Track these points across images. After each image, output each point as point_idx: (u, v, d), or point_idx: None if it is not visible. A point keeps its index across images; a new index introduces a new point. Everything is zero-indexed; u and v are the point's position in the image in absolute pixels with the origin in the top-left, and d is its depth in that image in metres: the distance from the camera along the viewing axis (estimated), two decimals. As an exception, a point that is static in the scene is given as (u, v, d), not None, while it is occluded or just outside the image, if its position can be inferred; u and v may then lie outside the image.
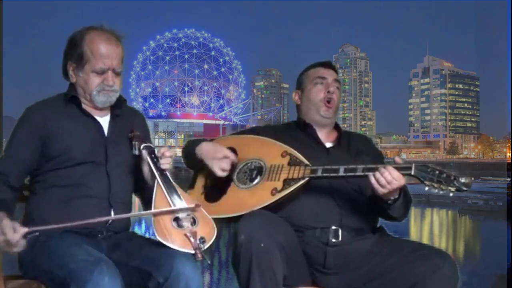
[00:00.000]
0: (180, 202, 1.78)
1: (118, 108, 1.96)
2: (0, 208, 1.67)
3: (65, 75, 1.93)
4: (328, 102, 2.11)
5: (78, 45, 1.86)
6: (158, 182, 1.80)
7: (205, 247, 1.70)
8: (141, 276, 1.70)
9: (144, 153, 1.85)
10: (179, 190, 1.82)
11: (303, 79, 2.18)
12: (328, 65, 2.17)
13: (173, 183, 1.82)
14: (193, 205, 1.78)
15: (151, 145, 1.89)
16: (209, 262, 1.70)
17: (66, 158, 1.81)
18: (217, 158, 2.00)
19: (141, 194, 1.96)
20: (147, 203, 1.87)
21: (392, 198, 1.87)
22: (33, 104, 1.89)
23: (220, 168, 2.00)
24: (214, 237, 1.76)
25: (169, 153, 1.87)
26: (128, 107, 2.03)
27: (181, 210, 1.75)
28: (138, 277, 1.71)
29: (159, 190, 1.79)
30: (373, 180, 1.82)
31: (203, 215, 1.81)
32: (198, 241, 1.69)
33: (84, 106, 1.90)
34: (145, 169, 1.87)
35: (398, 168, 1.80)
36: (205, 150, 2.04)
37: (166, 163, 1.84)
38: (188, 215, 1.76)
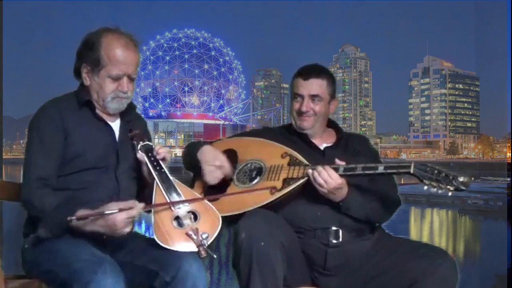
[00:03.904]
0: (178, 199, 1.78)
1: (129, 114, 1.96)
2: (75, 205, 1.65)
3: (76, 75, 1.89)
4: (303, 113, 2.07)
5: (94, 48, 1.82)
6: (156, 180, 1.80)
7: (209, 242, 1.69)
8: (147, 275, 1.71)
9: (141, 152, 1.85)
10: (179, 187, 1.81)
11: (290, 87, 2.16)
12: (308, 75, 2.07)
13: (172, 180, 1.81)
14: (199, 197, 1.79)
15: (149, 143, 1.88)
16: (215, 256, 1.69)
17: (79, 162, 1.79)
18: (214, 164, 2.00)
19: (139, 194, 1.95)
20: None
21: (338, 200, 1.90)
22: (48, 102, 1.84)
23: (212, 176, 2.00)
24: (219, 228, 1.74)
25: (163, 149, 1.87)
26: (135, 113, 2.02)
27: (178, 202, 1.76)
28: (144, 276, 1.72)
29: (157, 189, 1.79)
30: (311, 179, 1.87)
31: (205, 207, 1.80)
32: (200, 238, 1.68)
33: (97, 110, 1.88)
34: (144, 168, 1.87)
35: (336, 169, 1.86)
36: (205, 153, 2.03)
37: (162, 154, 1.85)
38: (188, 212, 1.75)
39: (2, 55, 3.20)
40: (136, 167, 1.90)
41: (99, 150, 1.83)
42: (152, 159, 1.84)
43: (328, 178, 1.85)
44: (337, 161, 1.89)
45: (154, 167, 1.83)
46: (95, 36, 1.84)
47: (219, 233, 1.75)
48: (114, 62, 1.81)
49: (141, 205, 1.66)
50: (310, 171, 1.88)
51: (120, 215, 1.62)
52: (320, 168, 1.87)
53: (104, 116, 1.89)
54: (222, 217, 1.86)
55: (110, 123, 1.90)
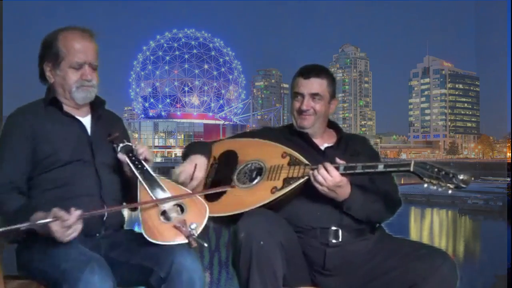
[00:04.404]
0: (163, 194, 1.79)
1: (99, 108, 1.98)
2: (33, 209, 1.65)
3: (41, 79, 1.94)
4: (303, 112, 2.07)
5: (52, 45, 1.88)
6: (139, 179, 1.82)
7: (198, 232, 1.70)
8: (142, 272, 1.72)
9: (121, 154, 1.87)
10: (164, 183, 1.82)
11: (291, 87, 2.17)
12: (308, 74, 2.08)
13: (155, 177, 1.83)
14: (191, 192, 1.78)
15: (129, 144, 1.90)
16: (205, 245, 1.69)
17: (53, 160, 1.81)
18: (190, 173, 1.98)
19: (127, 191, 1.95)
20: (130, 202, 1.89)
21: (341, 199, 1.90)
22: (15, 111, 1.90)
23: (183, 176, 1.97)
24: (207, 217, 1.76)
25: (144, 148, 1.89)
26: (107, 110, 2.04)
27: (164, 200, 1.76)
28: (139, 274, 1.73)
29: (141, 187, 1.81)
30: (312, 178, 1.87)
31: (192, 199, 1.82)
32: (189, 228, 1.69)
33: (65, 107, 1.90)
34: (126, 169, 1.88)
35: (336, 168, 1.86)
36: (196, 162, 2.02)
37: (144, 154, 1.86)
38: (174, 205, 1.76)
39: (2, 55, 3.20)
40: (118, 163, 1.91)
41: (70, 145, 1.85)
42: (134, 158, 1.86)
43: (327, 176, 1.85)
44: (338, 160, 1.89)
45: (136, 166, 1.85)
46: (52, 35, 1.91)
47: (207, 225, 1.76)
48: (73, 52, 1.86)
49: (77, 213, 1.59)
50: (310, 171, 1.88)
51: (55, 224, 1.57)
52: (320, 166, 1.87)
53: (73, 112, 1.91)
54: (222, 217, 1.88)
55: (80, 118, 1.92)
